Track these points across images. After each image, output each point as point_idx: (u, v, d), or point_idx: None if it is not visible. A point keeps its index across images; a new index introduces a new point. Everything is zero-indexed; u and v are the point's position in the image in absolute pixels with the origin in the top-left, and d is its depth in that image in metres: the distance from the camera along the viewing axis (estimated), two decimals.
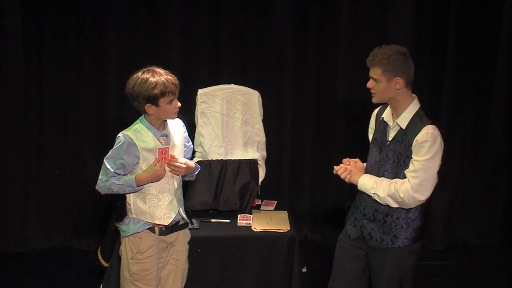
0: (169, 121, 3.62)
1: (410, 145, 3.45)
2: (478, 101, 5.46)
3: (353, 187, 3.63)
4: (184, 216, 3.67)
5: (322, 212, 5.53)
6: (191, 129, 3.80)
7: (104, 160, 3.54)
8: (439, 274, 5.07)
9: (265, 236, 4.06)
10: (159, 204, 3.56)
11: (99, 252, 4.38)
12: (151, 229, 3.58)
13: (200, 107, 4.51)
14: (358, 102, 5.25)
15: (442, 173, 5.40)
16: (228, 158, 4.48)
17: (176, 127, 3.66)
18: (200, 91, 4.53)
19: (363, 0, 5.30)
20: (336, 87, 5.38)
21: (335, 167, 3.58)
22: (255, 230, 4.10)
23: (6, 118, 5.14)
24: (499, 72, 5.37)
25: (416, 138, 3.43)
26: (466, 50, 5.34)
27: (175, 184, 3.60)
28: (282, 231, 4.07)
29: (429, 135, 3.42)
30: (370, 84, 3.53)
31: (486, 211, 5.56)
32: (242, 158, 4.48)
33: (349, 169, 3.56)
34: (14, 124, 5.16)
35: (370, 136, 3.74)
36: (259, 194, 4.53)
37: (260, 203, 4.54)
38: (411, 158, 3.44)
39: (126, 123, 3.67)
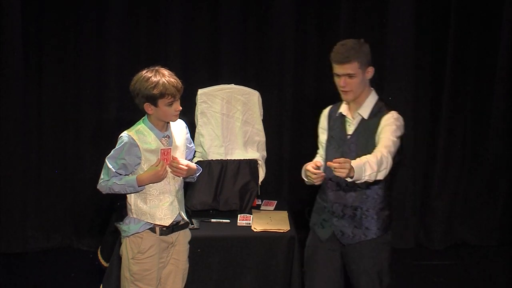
0: (171, 122, 3.62)
1: (373, 133, 3.47)
2: (478, 101, 5.46)
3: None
4: (185, 217, 3.66)
5: None
6: (191, 129, 3.80)
7: (106, 160, 3.53)
8: (439, 274, 5.07)
9: (265, 236, 4.06)
10: (160, 204, 3.56)
11: (99, 252, 4.38)
12: (152, 229, 3.58)
13: (200, 107, 4.51)
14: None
15: (442, 173, 5.48)
16: (228, 158, 4.48)
17: (179, 128, 3.65)
18: (200, 91, 4.53)
19: (363, 0, 5.30)
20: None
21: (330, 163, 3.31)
22: (255, 230, 4.10)
23: (6, 118, 5.15)
24: (499, 72, 5.37)
25: (383, 121, 3.47)
26: (466, 50, 5.35)
27: (176, 185, 3.60)
28: (282, 231, 4.07)
29: (395, 118, 3.50)
30: (343, 82, 3.51)
31: (486, 211, 5.56)
32: (242, 158, 4.48)
33: (347, 166, 3.32)
34: (14, 124, 5.17)
35: (322, 137, 3.74)
36: (259, 194, 4.53)
37: (260, 203, 4.54)
38: (376, 140, 3.44)
39: (126, 123, 3.67)
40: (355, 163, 3.25)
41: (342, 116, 3.63)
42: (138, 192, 3.54)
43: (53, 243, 5.39)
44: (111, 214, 4.45)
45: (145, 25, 5.25)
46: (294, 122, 5.46)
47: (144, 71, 3.48)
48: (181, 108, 3.52)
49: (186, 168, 3.55)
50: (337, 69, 3.52)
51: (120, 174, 3.53)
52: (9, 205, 5.23)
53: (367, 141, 3.50)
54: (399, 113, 3.54)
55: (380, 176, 3.34)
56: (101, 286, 3.98)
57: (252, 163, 4.49)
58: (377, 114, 3.54)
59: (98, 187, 3.57)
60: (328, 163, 3.24)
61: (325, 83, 5.41)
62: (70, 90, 5.28)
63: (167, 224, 3.57)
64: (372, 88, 3.61)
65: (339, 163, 3.21)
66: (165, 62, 5.02)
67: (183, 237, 3.69)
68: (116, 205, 4.27)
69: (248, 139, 4.57)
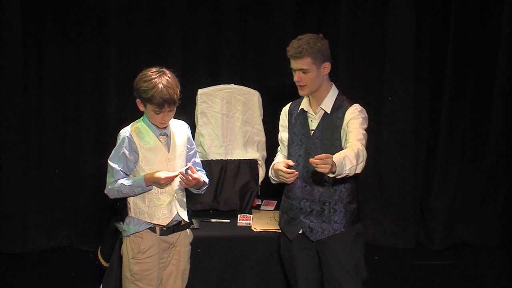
0: (172, 122, 3.62)
1: (338, 127, 3.50)
2: (478, 101, 5.46)
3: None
4: (185, 218, 3.65)
5: None
6: (191, 129, 3.80)
7: (108, 161, 3.53)
8: (439, 274, 5.07)
9: (265, 236, 4.06)
10: (158, 204, 3.56)
11: (99, 252, 4.38)
12: (152, 229, 3.58)
13: (200, 107, 4.51)
14: (358, 102, 5.24)
15: (442, 173, 5.48)
16: (228, 158, 4.48)
17: (180, 128, 3.64)
18: (200, 91, 4.53)
19: (363, 0, 5.30)
20: (335, 87, 5.37)
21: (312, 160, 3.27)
22: (255, 230, 4.10)
23: (6, 118, 5.15)
24: (499, 72, 5.37)
25: (347, 116, 3.49)
26: (466, 50, 5.34)
27: (176, 185, 3.59)
28: None
29: (359, 110, 3.53)
30: (297, 77, 3.55)
31: (486, 211, 5.55)
32: (242, 158, 4.48)
33: (329, 162, 3.28)
34: (14, 124, 5.16)
35: (284, 134, 3.75)
36: (259, 194, 4.53)
37: (260, 203, 4.55)
38: (341, 139, 3.46)
39: (126, 123, 3.67)
40: (335, 158, 3.25)
41: (304, 112, 3.64)
42: (146, 192, 3.53)
43: (53, 243, 5.39)
44: (111, 214, 4.46)
45: (145, 25, 5.24)
46: None
47: (151, 70, 3.48)
48: (166, 122, 3.49)
49: (194, 179, 3.51)
50: (292, 63, 3.58)
51: (125, 173, 3.54)
52: (9, 205, 5.22)
53: (332, 136, 3.52)
54: (363, 108, 3.58)
55: (359, 170, 3.35)
56: (101, 286, 3.99)
57: (252, 163, 4.50)
58: (339, 107, 3.57)
59: (105, 192, 3.57)
60: (310, 160, 3.23)
61: None
62: (70, 90, 5.28)
63: (164, 224, 3.56)
64: (331, 83, 3.64)
65: (321, 159, 3.20)
66: (165, 62, 5.02)
67: (184, 238, 3.68)
68: (116, 205, 4.26)
69: (248, 139, 4.58)
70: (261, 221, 4.21)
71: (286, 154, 3.73)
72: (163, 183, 3.46)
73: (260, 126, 4.60)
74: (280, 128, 3.80)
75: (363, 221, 3.71)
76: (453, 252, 5.44)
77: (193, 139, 3.76)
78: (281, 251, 3.79)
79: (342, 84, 5.34)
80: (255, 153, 4.55)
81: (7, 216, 5.23)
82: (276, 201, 4.56)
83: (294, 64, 3.55)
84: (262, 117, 4.62)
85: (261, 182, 4.55)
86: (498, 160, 5.49)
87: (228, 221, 4.24)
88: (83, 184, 5.34)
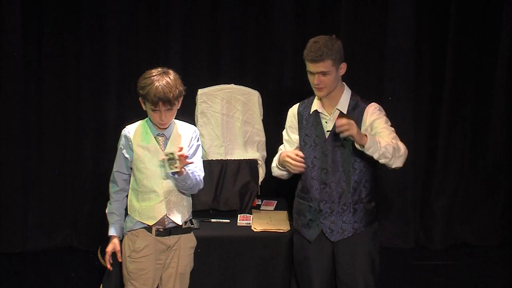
0: (178, 126, 3.62)
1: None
2: (478, 101, 5.45)
3: None
4: (177, 221, 3.63)
5: None
6: None
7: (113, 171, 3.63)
8: (439, 274, 5.07)
9: (265, 236, 4.06)
10: (148, 203, 3.57)
11: (99, 252, 4.38)
12: (148, 229, 3.59)
13: (200, 107, 4.51)
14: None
15: (442, 173, 5.48)
16: (228, 158, 4.48)
17: (185, 132, 3.64)
18: (200, 91, 4.53)
19: (363, 0, 5.30)
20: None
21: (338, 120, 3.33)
22: (255, 230, 4.10)
23: (6, 118, 5.15)
24: (499, 72, 5.37)
25: (368, 118, 3.50)
26: (466, 50, 5.34)
27: (167, 187, 3.58)
28: (282, 231, 4.07)
29: (379, 109, 3.54)
30: (317, 80, 3.52)
31: (486, 211, 5.55)
32: (242, 158, 4.48)
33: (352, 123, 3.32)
34: (14, 124, 5.17)
35: (293, 136, 3.75)
36: (259, 194, 4.53)
37: (260, 203, 4.54)
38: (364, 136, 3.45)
39: (126, 123, 3.68)
40: (369, 136, 3.34)
41: (317, 113, 3.64)
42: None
43: (53, 243, 5.39)
44: None
45: (145, 25, 5.24)
46: None
47: (156, 69, 3.50)
48: (164, 121, 3.50)
49: (183, 156, 3.44)
50: (311, 67, 3.53)
51: (123, 173, 3.55)
52: (9, 205, 5.23)
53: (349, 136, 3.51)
54: (394, 111, 3.61)
55: (398, 163, 3.38)
56: (101, 286, 3.98)
57: (252, 163, 4.49)
58: (355, 107, 3.56)
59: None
60: (336, 120, 3.27)
61: None
62: (70, 90, 5.28)
63: (150, 224, 3.57)
64: (344, 83, 3.64)
65: (342, 123, 3.24)
66: (165, 62, 5.03)
67: (185, 242, 3.68)
68: None
69: (248, 139, 4.57)
70: (261, 221, 4.21)
71: None
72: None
73: (260, 126, 4.60)
74: (288, 129, 3.80)
75: (379, 219, 3.72)
76: (453, 252, 5.44)
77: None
78: (295, 253, 3.79)
79: None
80: (255, 153, 4.55)
81: (7, 216, 5.23)
82: (276, 201, 4.56)
83: (313, 67, 3.51)
84: (262, 117, 4.61)
85: (261, 182, 4.55)
86: (498, 160, 5.49)
87: (228, 221, 4.23)
88: (83, 184, 5.34)
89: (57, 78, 5.25)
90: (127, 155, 3.54)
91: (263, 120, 4.62)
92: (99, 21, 5.19)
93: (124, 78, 5.18)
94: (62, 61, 5.24)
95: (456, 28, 5.28)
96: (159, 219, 3.57)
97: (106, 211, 3.64)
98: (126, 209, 3.70)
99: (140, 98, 3.51)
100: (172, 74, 3.49)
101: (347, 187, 3.56)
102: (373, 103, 3.57)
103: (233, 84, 4.59)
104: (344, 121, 3.27)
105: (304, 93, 5.40)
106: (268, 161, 4.65)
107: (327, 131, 3.59)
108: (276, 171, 3.81)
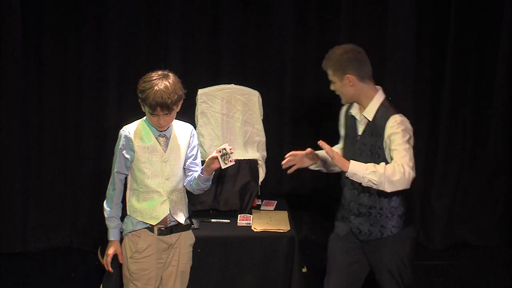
0: (175, 125, 3.61)
1: (380, 136, 3.50)
2: (478, 102, 5.46)
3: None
4: (181, 220, 3.63)
5: (322, 212, 5.53)
6: None
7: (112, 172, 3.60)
8: (439, 274, 5.07)
9: (265, 236, 4.06)
10: (150, 203, 3.56)
11: (99, 252, 4.38)
12: (150, 229, 3.58)
13: (200, 107, 4.51)
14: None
15: (442, 173, 5.48)
16: None
17: (183, 131, 3.63)
18: (200, 91, 4.53)
19: (363, 0, 5.30)
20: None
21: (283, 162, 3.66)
22: (255, 230, 4.10)
23: (6, 118, 5.15)
24: (499, 72, 5.37)
25: (387, 130, 3.48)
26: (466, 50, 5.35)
27: (170, 186, 3.58)
28: (282, 231, 4.07)
29: (398, 123, 3.48)
30: (331, 87, 3.62)
31: (486, 211, 5.55)
32: (242, 158, 4.48)
33: (299, 155, 3.66)
34: (14, 124, 5.17)
35: (342, 132, 3.82)
36: (259, 194, 4.53)
37: (260, 203, 4.54)
38: (384, 148, 3.49)
39: (126, 123, 3.67)
40: (356, 162, 3.41)
41: (353, 116, 3.67)
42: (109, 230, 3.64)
43: (53, 243, 5.39)
44: None
45: (145, 25, 5.24)
46: (294, 122, 5.45)
47: (156, 72, 3.47)
48: (162, 125, 3.48)
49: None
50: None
51: (122, 173, 3.55)
52: (9, 205, 5.23)
53: (376, 143, 3.52)
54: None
55: (392, 187, 3.38)
56: (101, 286, 3.98)
57: (252, 163, 4.49)
58: (382, 116, 3.54)
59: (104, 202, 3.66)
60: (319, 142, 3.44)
61: (325, 83, 5.41)
62: (70, 91, 5.28)
63: (153, 224, 3.56)
64: (377, 89, 3.61)
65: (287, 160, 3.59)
66: (165, 62, 5.04)
67: (185, 239, 3.68)
68: None
69: (248, 139, 4.57)
70: (261, 221, 4.21)
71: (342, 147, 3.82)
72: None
73: (260, 126, 4.60)
74: (340, 126, 3.86)
75: (414, 224, 3.71)
76: (453, 252, 5.45)
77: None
78: (329, 241, 3.81)
79: None
80: (255, 153, 4.55)
81: (7, 216, 5.23)
82: (276, 201, 4.56)
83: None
84: (262, 117, 4.61)
85: (261, 182, 4.55)
86: (498, 160, 5.49)
87: (228, 221, 4.23)
88: (83, 184, 5.34)
89: (57, 78, 5.25)
90: (127, 156, 3.53)
91: (263, 120, 4.63)
92: (99, 21, 5.18)
93: (124, 78, 5.18)
94: (62, 62, 5.24)
95: (456, 28, 5.28)
96: (162, 218, 3.57)
97: (105, 215, 3.61)
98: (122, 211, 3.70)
99: (139, 100, 3.51)
100: (172, 78, 3.45)
101: (374, 191, 3.57)
102: (395, 116, 3.50)
103: (233, 84, 4.59)
104: (288, 156, 3.58)
105: (304, 93, 5.44)
106: (268, 161, 4.65)
107: (358, 134, 3.62)
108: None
